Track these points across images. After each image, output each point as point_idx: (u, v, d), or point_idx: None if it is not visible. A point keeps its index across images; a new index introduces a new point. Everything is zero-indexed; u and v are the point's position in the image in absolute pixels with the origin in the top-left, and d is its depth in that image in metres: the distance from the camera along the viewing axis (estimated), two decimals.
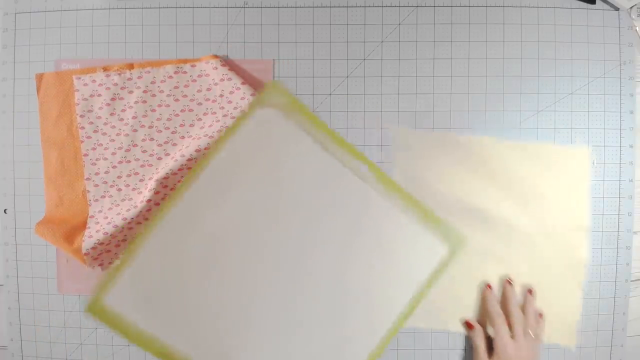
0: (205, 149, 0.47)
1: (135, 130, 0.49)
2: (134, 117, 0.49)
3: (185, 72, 0.49)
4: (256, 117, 0.42)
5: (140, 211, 0.47)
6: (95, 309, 0.40)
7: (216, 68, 0.48)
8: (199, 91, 0.49)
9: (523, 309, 0.46)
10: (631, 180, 0.49)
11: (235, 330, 0.42)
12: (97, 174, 0.49)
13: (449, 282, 0.47)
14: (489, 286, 0.47)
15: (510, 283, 0.47)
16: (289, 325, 0.43)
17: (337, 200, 0.43)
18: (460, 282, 0.48)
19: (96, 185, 0.49)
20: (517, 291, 0.47)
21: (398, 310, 0.43)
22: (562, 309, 0.48)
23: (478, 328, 0.46)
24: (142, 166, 0.49)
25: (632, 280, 0.49)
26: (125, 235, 0.49)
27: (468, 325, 0.47)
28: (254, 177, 0.42)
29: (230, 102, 0.48)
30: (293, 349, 0.43)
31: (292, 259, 0.42)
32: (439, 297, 0.47)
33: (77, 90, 0.49)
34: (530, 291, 0.47)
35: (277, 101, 0.42)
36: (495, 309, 0.45)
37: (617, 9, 0.49)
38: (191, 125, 0.49)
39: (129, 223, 0.48)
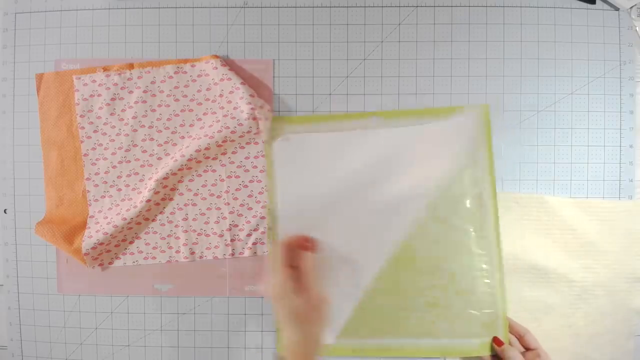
0: (205, 149, 0.47)
1: (135, 130, 0.49)
2: (134, 117, 0.49)
3: (185, 72, 0.49)
4: (276, 147, 0.49)
5: (140, 211, 0.47)
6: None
7: (216, 68, 0.48)
8: (199, 91, 0.49)
9: None
10: (631, 180, 0.49)
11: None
12: (97, 174, 0.49)
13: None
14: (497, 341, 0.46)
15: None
16: None
17: (388, 154, 0.47)
18: None
19: (96, 185, 0.49)
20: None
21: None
22: (614, 356, 0.48)
23: (507, 345, 0.46)
24: (142, 166, 0.49)
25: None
26: (125, 236, 0.49)
27: (497, 342, 0.46)
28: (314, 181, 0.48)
29: (230, 102, 0.48)
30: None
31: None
32: None
33: (77, 90, 0.49)
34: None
35: (281, 129, 0.49)
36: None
37: (617, 9, 0.49)
38: (191, 125, 0.49)
39: (129, 223, 0.48)
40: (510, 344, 0.46)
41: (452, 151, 0.47)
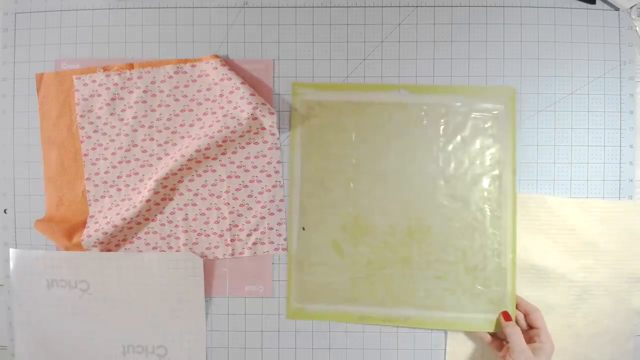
0: (205, 149, 0.47)
1: (135, 130, 0.49)
2: (134, 117, 0.49)
3: (185, 72, 0.49)
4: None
5: (140, 211, 0.47)
6: (296, 314, 0.49)
7: (216, 68, 0.48)
8: (199, 91, 0.49)
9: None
10: (631, 180, 0.49)
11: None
12: (97, 174, 0.49)
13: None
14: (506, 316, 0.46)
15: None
16: None
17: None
18: None
19: (96, 185, 0.49)
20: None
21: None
22: (614, 356, 0.48)
23: (514, 322, 0.46)
24: (142, 166, 0.49)
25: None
26: (125, 236, 0.49)
27: (505, 317, 0.46)
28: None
29: (230, 101, 0.48)
30: None
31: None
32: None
33: (77, 90, 0.49)
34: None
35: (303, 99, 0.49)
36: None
37: (617, 9, 0.49)
38: (191, 125, 0.49)
39: (129, 223, 0.48)
40: (515, 320, 0.46)
41: (477, 130, 0.48)
